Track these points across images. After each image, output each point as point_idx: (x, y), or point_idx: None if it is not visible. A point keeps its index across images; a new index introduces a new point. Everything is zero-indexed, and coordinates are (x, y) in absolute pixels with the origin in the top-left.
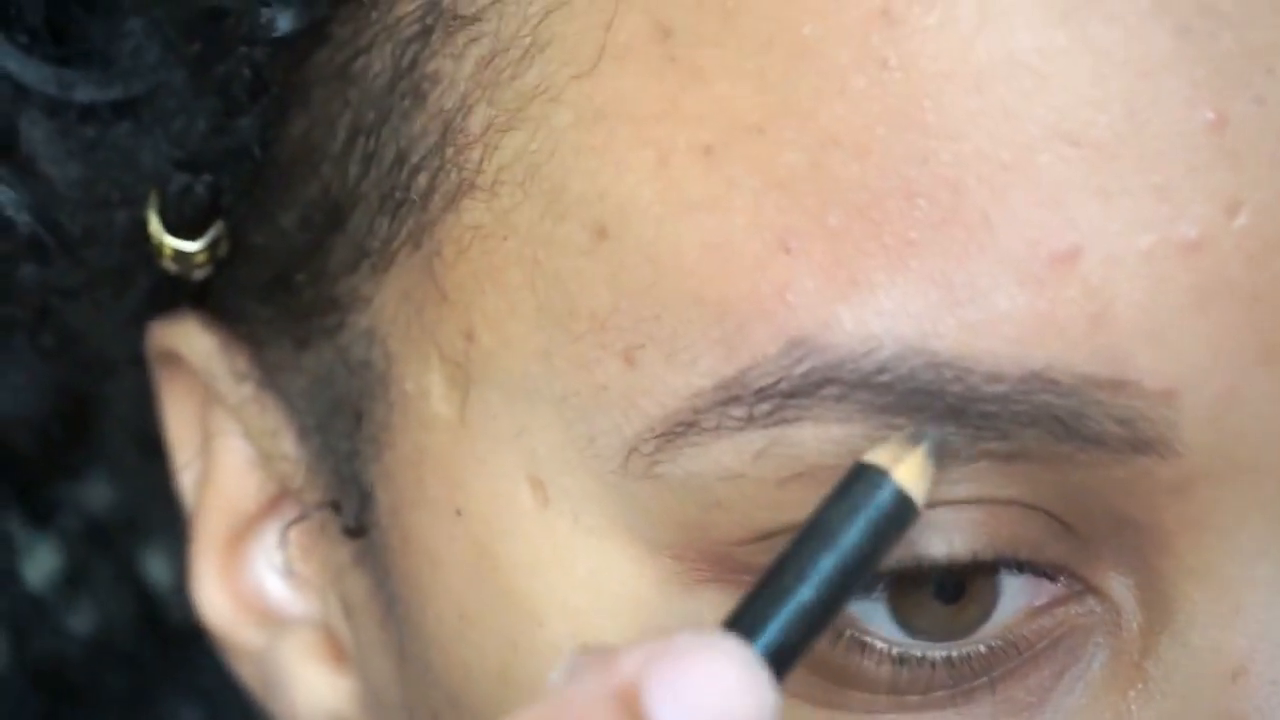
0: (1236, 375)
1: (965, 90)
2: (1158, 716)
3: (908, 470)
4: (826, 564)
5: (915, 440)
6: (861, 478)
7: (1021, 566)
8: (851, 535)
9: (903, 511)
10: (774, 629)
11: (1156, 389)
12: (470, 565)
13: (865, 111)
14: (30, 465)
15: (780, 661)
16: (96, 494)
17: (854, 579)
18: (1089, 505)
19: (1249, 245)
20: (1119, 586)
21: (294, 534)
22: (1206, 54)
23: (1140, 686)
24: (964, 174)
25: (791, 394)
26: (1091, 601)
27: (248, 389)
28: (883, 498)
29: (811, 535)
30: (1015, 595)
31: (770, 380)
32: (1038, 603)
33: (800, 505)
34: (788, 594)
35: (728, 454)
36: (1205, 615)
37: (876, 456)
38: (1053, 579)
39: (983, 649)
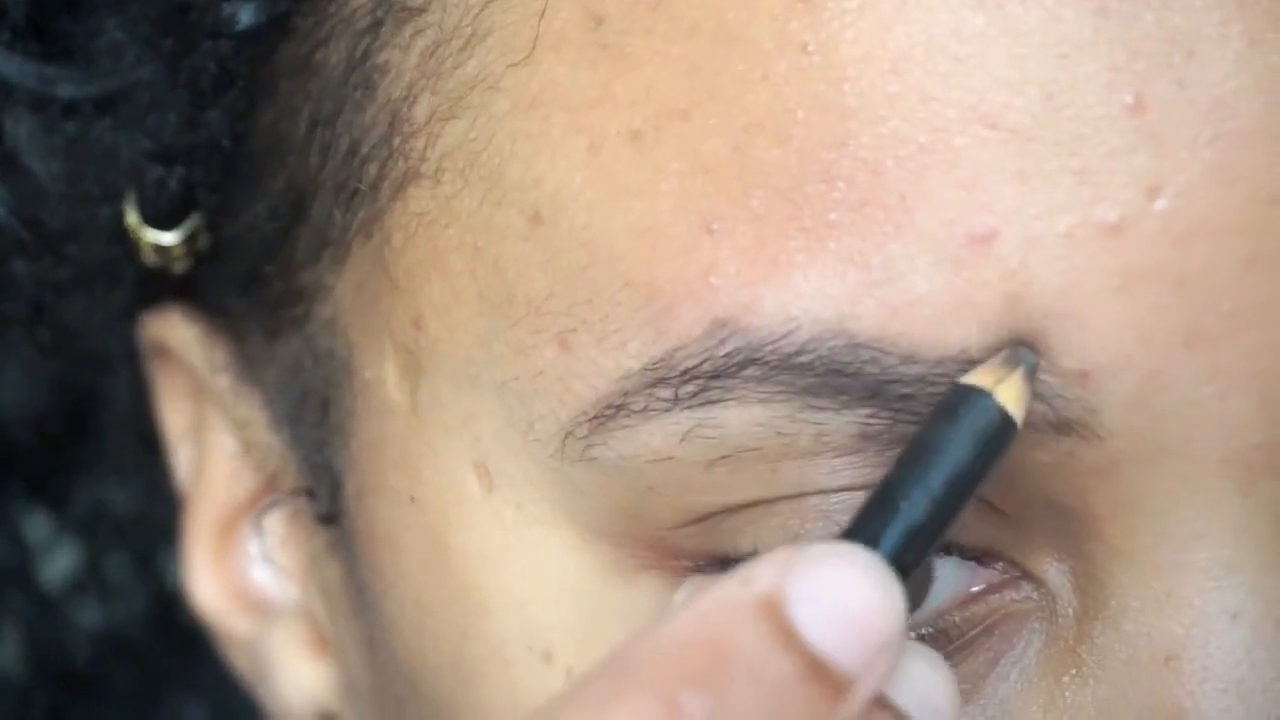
0: (1161, 359)
1: (883, 74)
2: (1091, 702)
3: (1008, 390)
4: (935, 482)
5: (1013, 362)
6: (965, 398)
7: (949, 549)
8: (957, 453)
9: (1005, 430)
10: (888, 544)
11: (1073, 370)
12: (425, 553)
13: (786, 96)
14: (34, 461)
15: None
16: (116, 493)
17: (960, 497)
18: (1019, 489)
19: (1172, 228)
20: (1055, 572)
21: (275, 523)
22: (1126, 36)
23: (1074, 672)
24: (882, 156)
25: (715, 375)
26: (1028, 588)
27: (225, 380)
28: (986, 417)
29: (918, 454)
30: (952, 580)
31: (695, 361)
32: (974, 588)
33: (730, 488)
34: (898, 512)
35: (656, 436)
36: (1137, 601)
37: (977, 378)
38: (987, 564)
39: (913, 636)
